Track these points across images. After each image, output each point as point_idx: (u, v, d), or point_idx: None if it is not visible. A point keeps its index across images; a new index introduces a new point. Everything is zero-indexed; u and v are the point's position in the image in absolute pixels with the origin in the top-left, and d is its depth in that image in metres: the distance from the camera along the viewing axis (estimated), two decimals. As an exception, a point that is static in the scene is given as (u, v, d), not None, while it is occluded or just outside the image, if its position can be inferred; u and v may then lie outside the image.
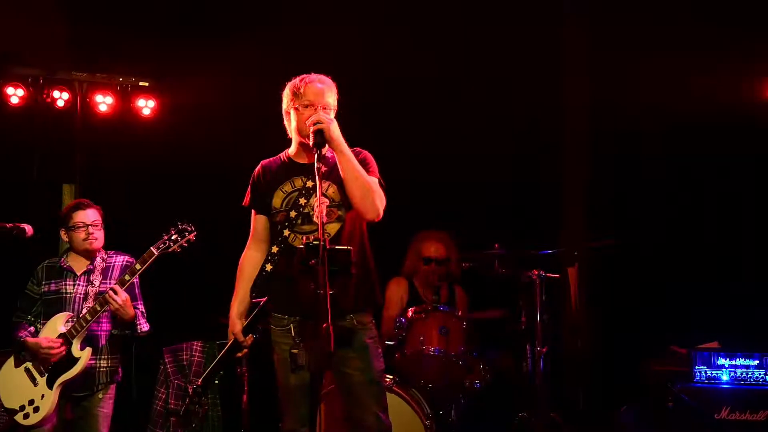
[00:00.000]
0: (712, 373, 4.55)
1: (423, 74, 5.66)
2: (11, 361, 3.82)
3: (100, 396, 3.85)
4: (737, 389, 4.44)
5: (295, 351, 3.03)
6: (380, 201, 3.10)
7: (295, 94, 3.19)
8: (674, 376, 4.75)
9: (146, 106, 5.63)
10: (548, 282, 4.65)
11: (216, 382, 4.79)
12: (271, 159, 3.36)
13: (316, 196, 3.02)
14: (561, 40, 5.85)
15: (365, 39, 5.56)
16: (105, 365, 3.84)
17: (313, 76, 3.21)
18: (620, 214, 5.68)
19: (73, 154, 5.66)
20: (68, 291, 3.88)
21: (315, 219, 3.09)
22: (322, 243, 2.69)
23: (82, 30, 5.43)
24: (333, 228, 3.13)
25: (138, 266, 3.69)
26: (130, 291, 3.75)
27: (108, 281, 3.88)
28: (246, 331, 3.28)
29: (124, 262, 3.97)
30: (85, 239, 3.86)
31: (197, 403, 3.36)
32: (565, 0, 5.83)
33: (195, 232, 3.75)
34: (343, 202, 3.14)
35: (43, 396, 3.69)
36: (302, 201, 3.17)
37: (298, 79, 3.23)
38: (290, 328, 3.13)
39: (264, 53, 5.50)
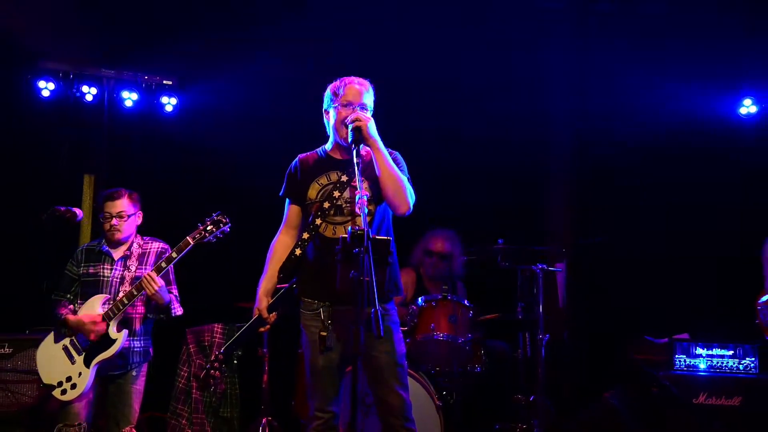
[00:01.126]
0: (690, 362, 4.76)
1: (432, 78, 5.80)
2: (50, 338, 3.90)
3: (134, 374, 3.94)
4: (713, 377, 4.64)
5: (324, 334, 3.16)
6: (411, 196, 3.21)
7: (335, 94, 3.31)
8: (655, 364, 5.01)
9: (169, 103, 5.76)
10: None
11: (235, 362, 4.99)
12: (308, 153, 3.45)
13: (350, 189, 3.18)
14: (549, 56, 6.01)
15: (368, 41, 5.66)
16: (139, 346, 3.94)
17: (353, 78, 3.34)
18: (602, 216, 5.86)
19: (97, 146, 5.78)
20: (105, 275, 3.94)
21: (346, 211, 3.20)
22: (367, 231, 2.78)
23: (111, 28, 5.51)
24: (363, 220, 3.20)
25: (174, 254, 3.76)
26: (164, 276, 3.82)
27: (143, 267, 3.96)
28: (270, 309, 3.36)
29: (159, 249, 4.05)
30: (108, 230, 3.95)
31: (217, 369, 3.49)
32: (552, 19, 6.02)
33: (230, 224, 3.81)
34: (374, 197, 3.23)
35: (80, 374, 3.77)
36: (336, 193, 3.24)
37: (338, 80, 3.35)
38: (320, 312, 3.22)
39: (284, 59, 5.60)
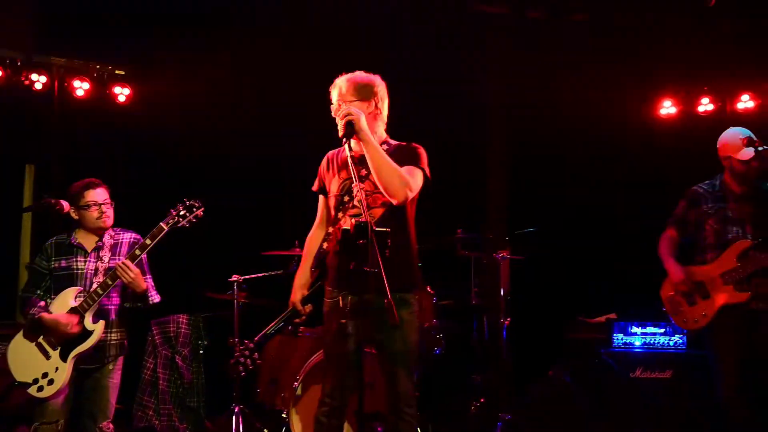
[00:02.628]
0: (627, 340, 5.04)
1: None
2: (20, 334, 3.67)
3: (110, 367, 3.74)
4: (648, 352, 4.92)
5: (343, 321, 3.16)
6: (407, 186, 3.13)
7: (330, 97, 3.31)
8: (595, 342, 5.30)
9: (122, 93, 5.50)
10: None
11: (201, 352, 4.89)
12: (337, 150, 3.42)
13: (367, 182, 3.14)
14: (486, 60, 6.15)
15: (318, 34, 5.60)
16: (115, 338, 3.76)
17: (337, 79, 3.30)
18: (537, 208, 6.06)
19: (43, 135, 5.47)
20: (79, 267, 3.75)
21: (356, 203, 3.19)
22: (369, 223, 2.80)
23: (61, 15, 5.20)
24: (377, 212, 3.18)
25: (148, 241, 3.61)
26: (138, 265, 3.67)
27: (117, 257, 3.78)
28: (305, 301, 3.35)
29: (132, 239, 3.88)
30: (98, 218, 3.76)
31: (249, 356, 3.44)
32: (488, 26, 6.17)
33: (203, 208, 3.66)
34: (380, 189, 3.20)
35: (57, 369, 3.56)
36: (354, 186, 3.21)
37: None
38: (338, 300, 3.20)
39: (239, 47, 5.49)
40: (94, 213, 3.76)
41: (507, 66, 6.09)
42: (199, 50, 5.50)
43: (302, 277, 3.40)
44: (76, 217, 3.80)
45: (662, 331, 5.01)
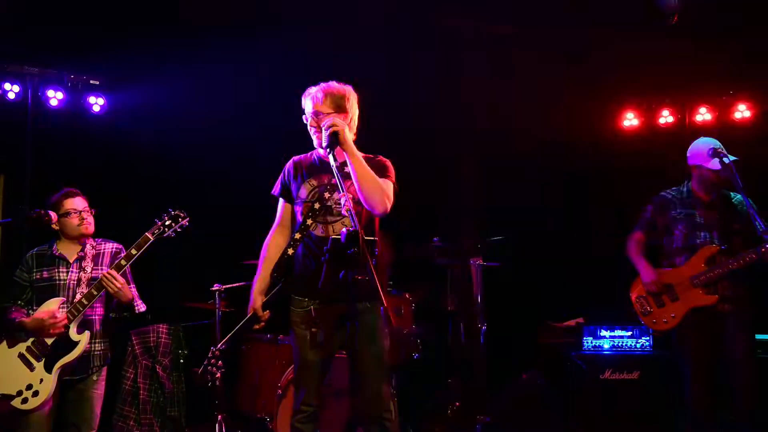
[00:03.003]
0: (596, 343, 5.22)
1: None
2: (3, 345, 3.61)
3: (95, 378, 3.73)
4: (616, 355, 5.10)
5: (314, 330, 3.18)
6: (387, 198, 3.20)
7: (304, 106, 3.33)
8: (566, 345, 5.46)
9: (96, 103, 5.47)
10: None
11: (181, 361, 4.88)
12: (303, 156, 3.45)
13: (339, 191, 3.11)
14: (458, 73, 6.20)
15: (292, 43, 5.63)
16: (99, 348, 3.75)
17: (311, 88, 3.32)
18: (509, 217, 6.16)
19: (16, 145, 5.38)
20: (61, 278, 3.72)
21: (336, 212, 3.23)
22: (360, 233, 2.79)
23: (36, 25, 5.14)
24: (352, 223, 3.16)
25: (134, 251, 3.60)
26: (123, 275, 3.64)
27: (99, 267, 3.78)
28: (264, 307, 3.33)
29: (114, 249, 3.89)
30: (79, 225, 3.74)
31: (214, 365, 3.43)
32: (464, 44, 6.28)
33: (188, 218, 3.70)
34: (360, 200, 3.24)
35: (42, 380, 3.53)
36: (326, 195, 3.26)
37: (305, 91, 3.35)
38: (310, 309, 3.22)
39: (212, 59, 5.49)
40: (74, 220, 3.75)
41: (478, 80, 6.22)
42: (175, 60, 5.49)
43: (262, 282, 3.35)
44: (57, 228, 3.78)
45: (629, 333, 5.20)
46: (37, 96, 5.31)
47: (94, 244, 3.88)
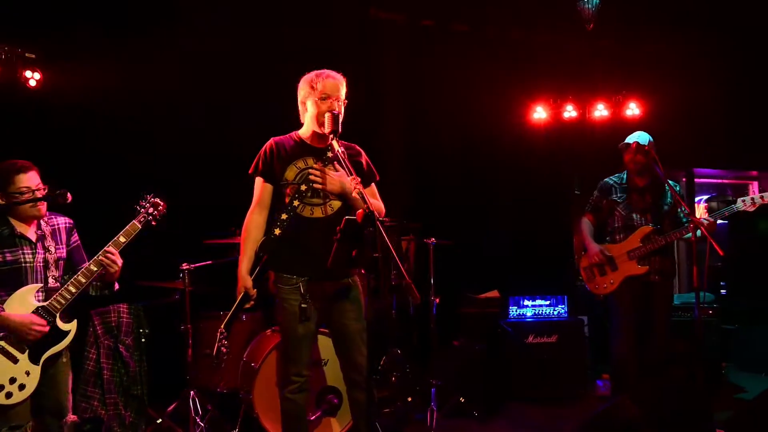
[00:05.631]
0: (520, 312, 5.84)
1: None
2: None
3: (64, 360, 3.44)
4: (537, 321, 5.73)
5: (304, 305, 3.35)
6: (382, 207, 3.53)
7: (312, 87, 3.37)
8: (489, 315, 5.98)
9: (32, 77, 5.17)
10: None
11: (143, 340, 4.81)
12: (283, 137, 3.48)
13: (350, 175, 3.20)
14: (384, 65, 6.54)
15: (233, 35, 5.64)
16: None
17: (329, 71, 3.40)
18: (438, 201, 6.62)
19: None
20: (27, 260, 3.32)
21: (321, 193, 3.36)
22: (373, 213, 2.93)
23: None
24: (336, 204, 3.40)
25: (122, 239, 3.38)
26: (79, 251, 3.48)
27: (60, 245, 3.44)
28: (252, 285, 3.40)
29: (67, 223, 3.53)
30: (33, 206, 3.32)
31: (224, 345, 3.50)
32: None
33: (165, 205, 3.54)
34: None
35: (28, 373, 3.22)
36: (312, 177, 3.36)
37: (314, 74, 3.41)
38: (299, 286, 3.37)
39: (155, 42, 5.39)
40: (26, 200, 3.30)
41: (404, 72, 6.53)
42: (117, 35, 5.32)
43: (248, 262, 3.42)
44: (2, 202, 3.31)
45: (548, 303, 5.85)
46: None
47: (46, 219, 3.46)
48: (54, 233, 3.46)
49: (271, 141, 3.48)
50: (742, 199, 4.19)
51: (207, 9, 5.50)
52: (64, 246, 3.46)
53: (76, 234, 3.56)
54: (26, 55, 5.11)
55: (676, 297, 5.97)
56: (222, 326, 3.45)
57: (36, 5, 5.06)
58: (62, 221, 3.52)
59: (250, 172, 3.48)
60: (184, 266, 4.60)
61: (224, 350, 3.47)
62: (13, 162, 3.35)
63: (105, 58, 5.32)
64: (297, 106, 3.52)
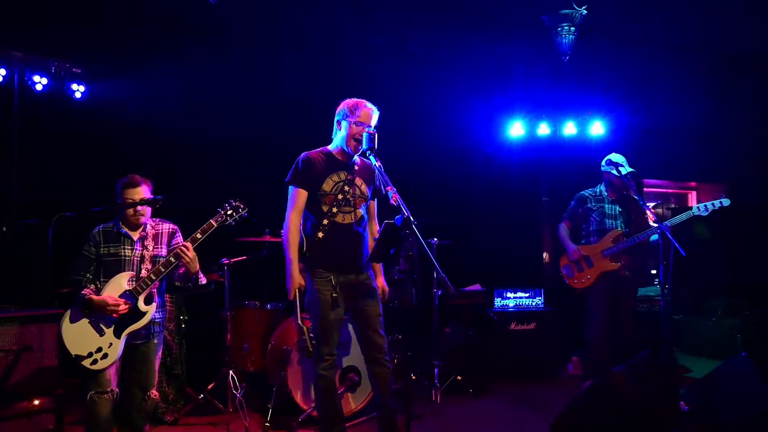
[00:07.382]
0: (504, 303, 6.60)
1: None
2: (72, 313, 3.77)
3: (155, 342, 3.96)
4: (519, 311, 6.47)
5: (335, 295, 3.85)
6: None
7: (351, 111, 3.87)
8: (475, 305, 6.68)
9: (78, 90, 5.63)
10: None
11: (183, 326, 5.34)
12: (314, 151, 3.94)
13: (353, 186, 3.85)
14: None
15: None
16: (159, 317, 3.97)
17: (366, 102, 3.90)
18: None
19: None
20: (127, 254, 3.90)
21: (352, 203, 3.88)
22: (411, 218, 3.37)
23: (22, 9, 5.19)
24: (359, 212, 3.93)
25: (198, 235, 3.79)
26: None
27: (159, 246, 3.97)
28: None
29: (171, 229, 4.07)
30: (133, 215, 3.92)
31: (309, 339, 3.87)
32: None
33: (247, 208, 3.90)
34: (366, 195, 3.97)
35: (111, 344, 3.76)
36: (346, 188, 3.87)
37: (354, 100, 3.91)
38: (331, 279, 3.86)
39: (190, 60, 5.87)
40: (130, 210, 3.92)
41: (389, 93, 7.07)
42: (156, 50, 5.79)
43: (297, 263, 3.86)
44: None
45: (528, 295, 6.62)
46: (23, 80, 5.36)
47: (153, 224, 4.04)
48: (157, 236, 4.02)
49: (304, 155, 3.94)
50: (697, 206, 5.04)
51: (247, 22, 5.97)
52: (165, 246, 3.97)
53: (178, 237, 4.06)
54: (73, 70, 5.55)
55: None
56: (300, 322, 3.92)
57: (81, 25, 5.50)
58: (167, 227, 4.07)
59: (287, 180, 3.92)
60: (225, 261, 5.16)
61: (313, 341, 3.93)
62: (129, 176, 3.97)
63: (142, 73, 5.80)
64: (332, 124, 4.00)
